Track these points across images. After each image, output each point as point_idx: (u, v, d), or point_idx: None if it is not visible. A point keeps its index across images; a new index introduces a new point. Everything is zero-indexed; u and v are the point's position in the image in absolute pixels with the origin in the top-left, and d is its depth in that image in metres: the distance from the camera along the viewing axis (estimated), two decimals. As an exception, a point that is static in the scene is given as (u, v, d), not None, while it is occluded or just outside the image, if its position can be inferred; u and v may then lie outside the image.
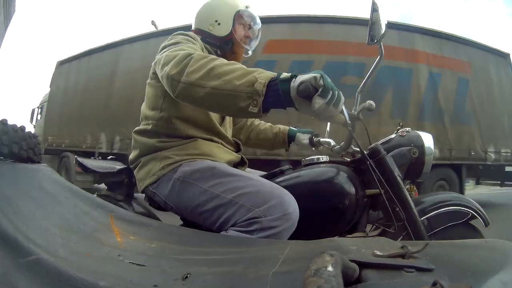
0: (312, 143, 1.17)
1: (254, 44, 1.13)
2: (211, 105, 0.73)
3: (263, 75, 0.66)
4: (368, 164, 0.92)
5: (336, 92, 0.63)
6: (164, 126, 0.91)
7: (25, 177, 0.62)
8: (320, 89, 0.61)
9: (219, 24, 1.02)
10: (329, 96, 0.61)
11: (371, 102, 0.89)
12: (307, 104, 0.63)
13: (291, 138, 1.24)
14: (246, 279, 0.41)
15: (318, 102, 0.61)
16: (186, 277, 0.41)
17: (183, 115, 0.91)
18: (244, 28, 1.07)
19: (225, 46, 1.04)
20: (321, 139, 1.15)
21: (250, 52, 1.11)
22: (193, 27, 1.07)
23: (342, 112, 0.68)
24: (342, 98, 0.65)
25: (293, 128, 1.25)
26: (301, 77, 0.63)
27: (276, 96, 0.65)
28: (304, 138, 1.20)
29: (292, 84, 0.63)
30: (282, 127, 1.27)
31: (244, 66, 0.71)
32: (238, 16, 1.03)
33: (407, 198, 0.91)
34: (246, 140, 1.26)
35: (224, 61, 0.73)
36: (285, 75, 0.65)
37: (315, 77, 0.62)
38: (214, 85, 0.68)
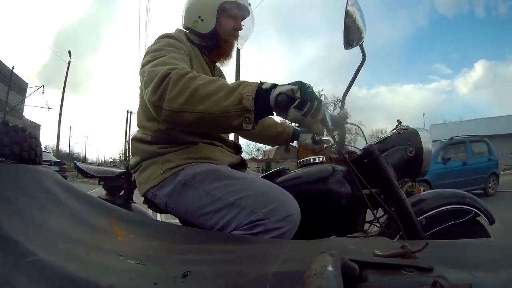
0: (314, 141, 1.18)
1: (247, 35, 1.06)
2: (202, 128, 0.73)
3: (248, 89, 0.65)
4: (349, 167, 0.93)
5: (315, 102, 0.63)
6: (163, 137, 0.89)
7: (26, 178, 0.62)
8: (297, 101, 0.62)
9: (202, 20, 0.96)
10: (306, 108, 0.62)
11: (345, 111, 0.90)
12: (283, 115, 0.65)
13: (294, 137, 1.23)
14: (246, 278, 0.41)
15: (293, 113, 0.63)
16: (186, 274, 0.41)
17: None
18: (233, 20, 0.99)
19: (211, 42, 0.99)
20: (323, 138, 1.15)
21: (242, 46, 1.06)
22: (181, 25, 1.03)
23: (323, 119, 0.69)
24: (322, 107, 0.66)
25: (297, 128, 1.25)
26: (280, 88, 0.64)
27: (263, 106, 0.66)
28: (307, 137, 1.20)
29: (272, 94, 0.65)
30: (287, 126, 1.25)
31: (226, 81, 0.70)
32: (222, 9, 0.96)
33: (401, 198, 0.90)
34: (248, 135, 1.25)
35: (204, 78, 0.70)
36: (266, 85, 0.66)
37: (292, 90, 0.63)
38: (202, 109, 0.66)
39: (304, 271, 0.27)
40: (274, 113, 0.66)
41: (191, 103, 0.67)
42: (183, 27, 1.02)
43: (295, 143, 1.27)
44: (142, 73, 0.81)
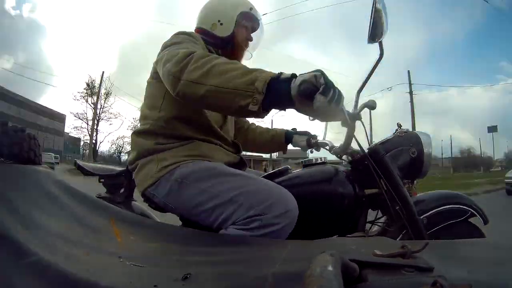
0: (309, 144, 1.17)
1: (255, 47, 1.11)
2: (211, 103, 0.72)
3: (264, 74, 0.65)
4: (369, 163, 0.92)
5: (337, 90, 0.63)
6: (162, 126, 0.91)
7: (25, 178, 0.62)
8: (322, 87, 0.61)
9: (221, 24, 1.01)
10: (331, 94, 0.61)
11: (373, 100, 0.89)
12: (308, 104, 0.62)
13: (288, 140, 1.24)
14: (246, 279, 0.41)
15: (319, 100, 0.60)
16: (186, 277, 0.41)
17: (182, 115, 0.90)
18: (247, 30, 1.05)
19: (225, 47, 1.03)
20: (319, 141, 1.15)
21: (250, 56, 1.11)
22: (195, 26, 1.07)
23: (342, 110, 0.67)
24: (343, 96, 0.64)
25: (290, 130, 1.25)
26: (302, 76, 0.63)
27: (277, 96, 0.65)
28: (301, 140, 1.20)
29: (292, 84, 0.63)
30: (278, 129, 1.27)
31: (246, 65, 0.71)
32: (241, 18, 1.02)
33: (406, 197, 0.91)
34: (243, 143, 1.24)
35: (226, 59, 0.72)
36: (285, 75, 0.66)
37: (315, 76, 0.62)
38: (215, 83, 0.67)
39: (304, 271, 0.27)
40: (296, 103, 0.64)
41: (207, 76, 0.68)
42: (198, 29, 1.05)
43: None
44: (160, 59, 0.83)
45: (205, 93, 0.69)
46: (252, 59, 1.14)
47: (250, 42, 1.07)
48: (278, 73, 0.66)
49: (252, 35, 1.08)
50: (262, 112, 0.65)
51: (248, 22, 1.05)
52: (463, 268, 0.39)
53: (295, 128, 1.26)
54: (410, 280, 0.34)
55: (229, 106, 0.69)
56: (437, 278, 0.30)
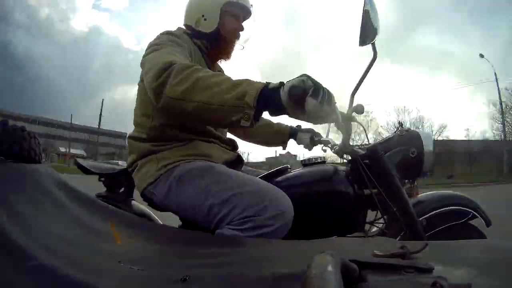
0: (313, 142, 1.17)
1: (246, 36, 1.07)
2: (200, 119, 0.71)
3: (253, 87, 0.64)
4: (359, 164, 0.92)
5: (326, 90, 0.63)
6: (157, 134, 0.90)
7: (25, 177, 0.62)
8: (311, 90, 0.61)
9: (205, 19, 0.97)
10: (321, 95, 0.61)
11: (361, 104, 0.89)
12: (299, 108, 0.62)
13: (291, 136, 1.23)
14: (246, 280, 0.41)
15: (311, 102, 0.60)
16: (186, 279, 0.41)
17: (175, 121, 0.89)
18: (235, 21, 1.00)
19: (213, 41, 1.00)
20: (322, 138, 1.15)
21: (242, 47, 1.07)
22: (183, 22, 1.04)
23: (335, 111, 0.68)
24: (332, 95, 0.65)
25: (294, 127, 1.25)
26: (290, 83, 0.63)
27: (267, 107, 0.65)
28: (305, 137, 1.19)
29: (282, 92, 0.63)
30: (283, 125, 1.26)
31: (230, 77, 0.70)
32: (226, 8, 0.97)
33: (404, 198, 0.91)
34: (244, 135, 1.24)
35: (209, 72, 0.70)
36: (273, 84, 0.65)
37: (303, 80, 0.62)
38: (202, 99, 0.66)
39: (304, 272, 0.27)
40: (288, 110, 0.63)
41: (193, 92, 0.66)
42: (185, 26, 1.02)
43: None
44: (143, 63, 0.82)
45: (192, 110, 0.67)
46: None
47: (241, 33, 1.03)
48: (266, 83, 0.66)
49: (243, 24, 1.03)
50: (254, 125, 0.65)
51: (235, 11, 0.99)
52: (463, 269, 0.39)
53: (299, 125, 1.26)
54: (410, 280, 0.34)
55: (220, 121, 0.68)
56: (437, 278, 0.30)
